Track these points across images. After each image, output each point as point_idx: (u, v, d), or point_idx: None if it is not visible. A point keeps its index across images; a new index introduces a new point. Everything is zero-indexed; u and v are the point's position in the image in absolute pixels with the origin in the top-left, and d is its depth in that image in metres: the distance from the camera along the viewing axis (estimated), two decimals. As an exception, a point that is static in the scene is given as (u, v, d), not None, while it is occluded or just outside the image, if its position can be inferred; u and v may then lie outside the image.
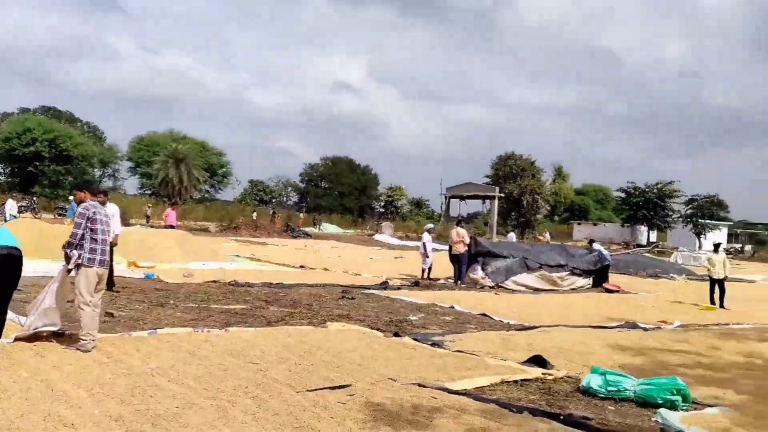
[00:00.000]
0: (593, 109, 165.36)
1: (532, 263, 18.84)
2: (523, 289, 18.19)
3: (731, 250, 70.19)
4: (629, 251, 37.02)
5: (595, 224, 79.87)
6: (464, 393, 6.28)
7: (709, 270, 17.09)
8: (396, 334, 9.26)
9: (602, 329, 11.34)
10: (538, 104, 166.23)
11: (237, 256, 22.99)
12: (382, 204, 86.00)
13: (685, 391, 6.43)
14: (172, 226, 25.98)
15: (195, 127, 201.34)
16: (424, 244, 19.29)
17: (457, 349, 8.54)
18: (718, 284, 16.81)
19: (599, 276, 20.16)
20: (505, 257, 18.64)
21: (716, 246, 17.51)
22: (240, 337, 8.30)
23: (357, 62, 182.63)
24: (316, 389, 6.04)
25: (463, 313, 12.40)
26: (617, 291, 19.18)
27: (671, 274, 27.03)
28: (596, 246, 21.36)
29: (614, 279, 22.47)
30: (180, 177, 57.85)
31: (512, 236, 38.55)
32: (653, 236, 71.93)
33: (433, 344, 8.72)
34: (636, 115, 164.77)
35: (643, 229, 70.41)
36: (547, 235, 51.45)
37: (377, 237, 45.42)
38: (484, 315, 12.23)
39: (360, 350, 7.98)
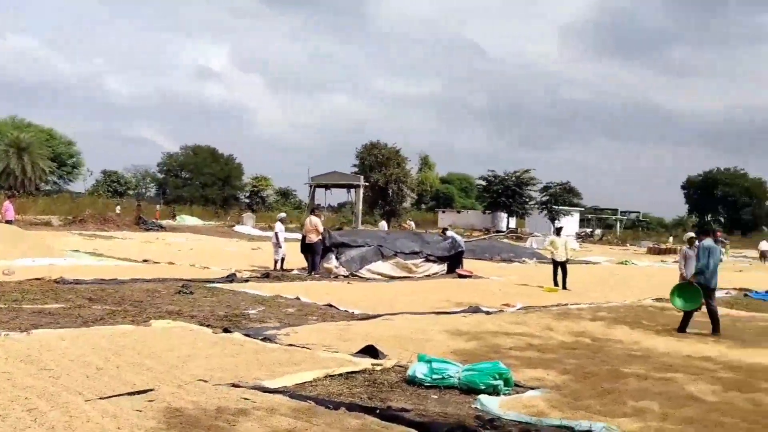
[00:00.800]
0: (459, 100, 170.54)
1: (387, 251, 18.78)
2: (378, 277, 18.09)
3: (582, 234, 74.89)
4: (485, 237, 38.25)
5: (458, 212, 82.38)
6: (281, 391, 5.86)
7: (552, 253, 17.77)
8: (226, 330, 8.70)
9: (446, 315, 11.34)
10: (406, 94, 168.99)
11: (76, 251, 21.30)
12: (247, 194, 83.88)
13: (507, 375, 6.38)
14: (10, 221, 23.69)
15: (41, 113, 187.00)
16: (276, 234, 18.71)
17: (289, 342, 8.13)
18: (560, 266, 17.51)
19: (453, 262, 20.47)
20: (360, 246, 18.45)
21: (558, 230, 18.26)
22: (42, 340, 7.40)
23: (221, 49, 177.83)
24: (111, 396, 5.39)
25: (308, 304, 12.00)
26: (470, 276, 19.54)
27: (523, 258, 28.13)
28: (449, 233, 21.71)
29: (469, 264, 22.96)
30: (23, 168, 53.62)
31: (383, 225, 38.44)
32: (513, 222, 75.16)
33: (265, 339, 8.24)
34: (499, 106, 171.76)
35: (503, 215, 73.39)
36: (412, 223, 52.00)
37: (238, 228, 43.99)
38: (330, 305, 11.90)
39: (179, 349, 7.35)
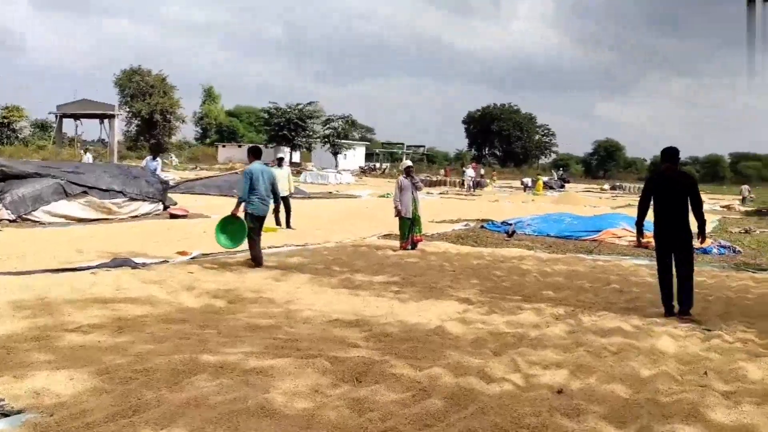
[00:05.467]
0: (252, 30, 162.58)
1: (74, 188, 15.13)
2: (61, 220, 14.50)
3: (366, 168, 74.76)
4: (237, 171, 35.02)
5: (240, 146, 78.14)
6: None
7: (273, 187, 15.30)
8: None
9: (67, 272, 8.28)
10: (192, 21, 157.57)
11: None
12: (-6, 126, 72.69)
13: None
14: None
15: None
16: None
17: None
18: (282, 202, 15.15)
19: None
20: (33, 180, 14.60)
21: (279, 160, 15.75)
22: None
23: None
24: None
25: None
26: (184, 216, 16.61)
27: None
28: (153, 161, 18.51)
29: (214, 201, 20.18)
30: None
31: (89, 157, 30.15)
32: (296, 157, 72.80)
33: None
34: (293, 40, 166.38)
35: (287, 149, 70.75)
36: (174, 158, 47.53)
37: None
38: None
39: None
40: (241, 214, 9.77)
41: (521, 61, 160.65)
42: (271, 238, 12.98)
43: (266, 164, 10.32)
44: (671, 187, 7.08)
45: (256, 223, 9.64)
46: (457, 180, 46.74)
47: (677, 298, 7.11)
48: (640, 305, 7.71)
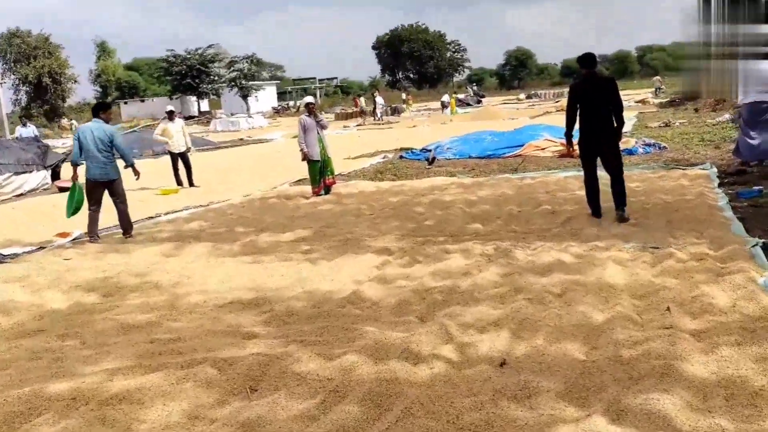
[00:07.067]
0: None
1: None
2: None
3: (280, 107, 72.17)
4: (136, 129, 32.53)
5: (143, 101, 74.16)
6: None
7: (167, 143, 13.88)
8: None
9: None
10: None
11: None
12: None
13: None
14: None
15: None
16: None
17: None
18: (180, 159, 13.76)
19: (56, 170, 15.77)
20: None
21: (169, 114, 14.13)
22: None
23: None
24: None
25: None
26: (68, 189, 14.98)
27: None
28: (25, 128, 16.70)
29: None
30: None
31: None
32: (205, 105, 69.55)
33: None
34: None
35: (194, 99, 67.44)
36: (75, 123, 44.23)
37: None
38: None
39: None
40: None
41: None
42: (170, 202, 11.74)
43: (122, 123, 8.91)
44: (594, 93, 7.02)
45: (90, 189, 8.43)
46: (358, 110, 44.55)
47: (614, 200, 7.14)
48: (576, 227, 6.97)
